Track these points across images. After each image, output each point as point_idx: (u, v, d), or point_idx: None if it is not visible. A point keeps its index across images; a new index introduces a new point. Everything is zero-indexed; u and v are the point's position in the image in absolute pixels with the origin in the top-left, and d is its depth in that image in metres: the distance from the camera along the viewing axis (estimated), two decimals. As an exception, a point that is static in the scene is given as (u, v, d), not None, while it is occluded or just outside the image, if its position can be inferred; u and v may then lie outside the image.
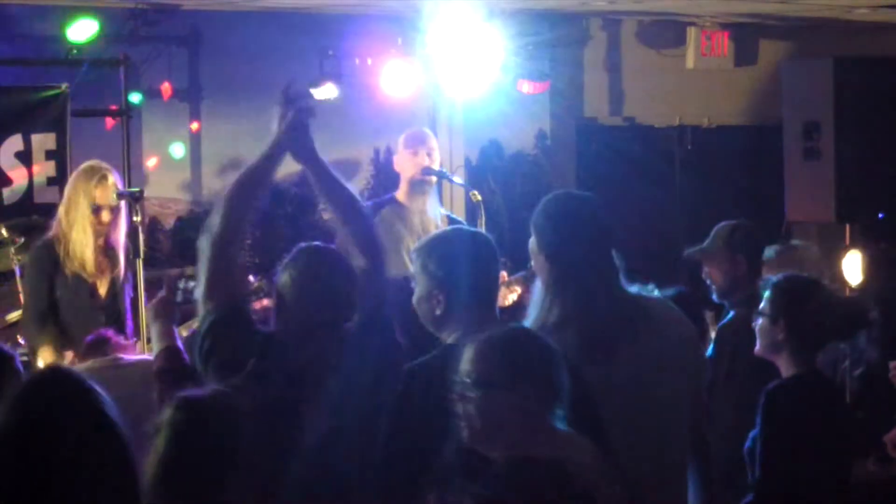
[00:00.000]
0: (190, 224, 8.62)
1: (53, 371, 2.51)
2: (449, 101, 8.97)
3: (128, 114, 8.10)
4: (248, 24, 8.61)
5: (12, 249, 6.50)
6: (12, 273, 6.61)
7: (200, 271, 3.88)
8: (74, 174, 5.98)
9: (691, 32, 9.62)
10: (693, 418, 4.02)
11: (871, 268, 7.80)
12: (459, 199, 8.65)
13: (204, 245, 3.90)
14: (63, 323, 5.82)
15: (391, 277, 4.08)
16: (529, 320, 3.85)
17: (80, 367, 4.66)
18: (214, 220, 3.91)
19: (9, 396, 2.45)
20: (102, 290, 5.83)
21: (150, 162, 8.61)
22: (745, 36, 9.77)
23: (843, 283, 5.40)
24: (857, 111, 8.39)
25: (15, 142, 7.64)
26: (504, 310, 5.38)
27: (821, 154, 8.41)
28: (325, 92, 8.26)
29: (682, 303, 4.26)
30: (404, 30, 8.41)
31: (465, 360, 3.24)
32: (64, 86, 7.69)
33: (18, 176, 7.63)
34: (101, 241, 5.87)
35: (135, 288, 5.73)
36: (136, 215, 5.58)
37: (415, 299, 3.82)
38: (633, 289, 3.94)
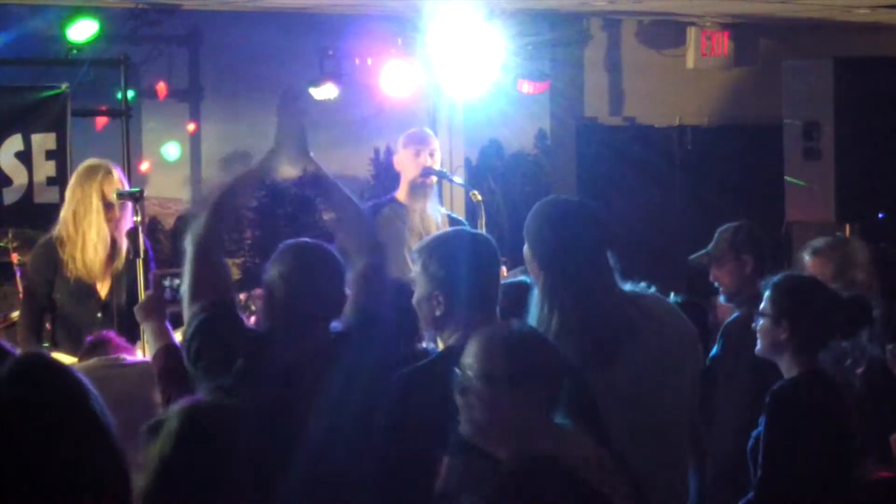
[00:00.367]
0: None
1: (31, 355, 2.50)
2: (449, 101, 8.97)
3: (127, 114, 8.10)
4: (248, 24, 8.62)
5: (12, 250, 6.51)
6: (12, 273, 6.61)
7: (185, 273, 3.87)
8: (77, 175, 5.92)
9: (691, 32, 9.62)
10: (690, 414, 4.03)
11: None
12: (459, 199, 8.65)
13: (188, 247, 3.89)
14: (62, 324, 5.81)
15: (392, 279, 4.08)
16: None
17: (81, 365, 4.66)
18: (199, 223, 3.90)
19: None
20: (103, 291, 5.81)
21: (144, 166, 8.60)
22: (745, 36, 9.77)
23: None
24: (857, 111, 8.37)
25: (15, 142, 7.63)
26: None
27: (821, 154, 8.40)
28: (325, 92, 8.26)
29: (687, 309, 4.26)
30: (404, 30, 8.41)
31: (469, 354, 3.23)
32: (64, 86, 7.69)
33: (18, 176, 7.63)
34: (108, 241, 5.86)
35: (129, 288, 5.70)
36: (137, 215, 5.57)
37: (415, 300, 3.82)
38: (629, 287, 3.94)
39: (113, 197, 5.74)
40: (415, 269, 3.84)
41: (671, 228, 9.60)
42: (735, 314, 5.25)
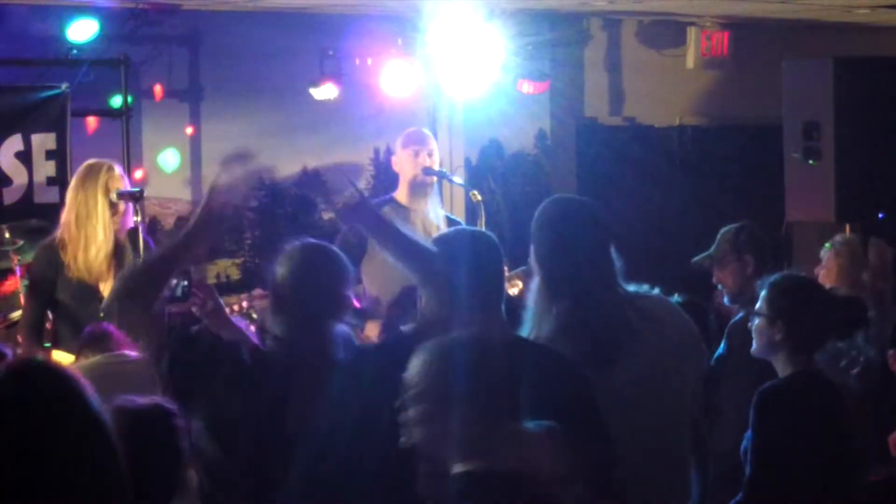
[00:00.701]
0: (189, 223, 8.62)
1: (28, 359, 2.50)
2: (449, 101, 8.97)
3: (127, 115, 8.10)
4: (248, 24, 8.61)
5: (12, 250, 6.50)
6: (13, 273, 6.60)
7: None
8: (78, 176, 5.89)
9: (691, 32, 9.62)
10: (693, 414, 4.03)
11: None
12: (459, 199, 8.65)
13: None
14: (64, 324, 5.80)
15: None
16: (527, 329, 3.84)
17: (87, 362, 4.66)
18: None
19: None
20: (106, 291, 5.75)
21: (139, 173, 8.58)
22: (745, 36, 9.77)
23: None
24: (857, 111, 8.38)
25: (15, 142, 7.63)
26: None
27: (821, 154, 8.40)
28: (325, 92, 8.26)
29: (688, 309, 4.26)
30: (404, 30, 8.41)
31: (412, 370, 3.20)
32: (64, 86, 7.69)
33: (18, 176, 7.62)
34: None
35: None
36: (136, 215, 5.57)
37: (423, 303, 3.82)
38: (632, 288, 3.94)
39: (114, 195, 5.74)
40: None
41: (671, 228, 9.60)
42: (739, 315, 5.26)
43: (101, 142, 8.10)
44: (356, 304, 6.35)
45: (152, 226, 8.44)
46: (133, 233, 5.60)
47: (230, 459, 3.64)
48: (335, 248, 3.95)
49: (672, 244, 9.23)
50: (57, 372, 2.44)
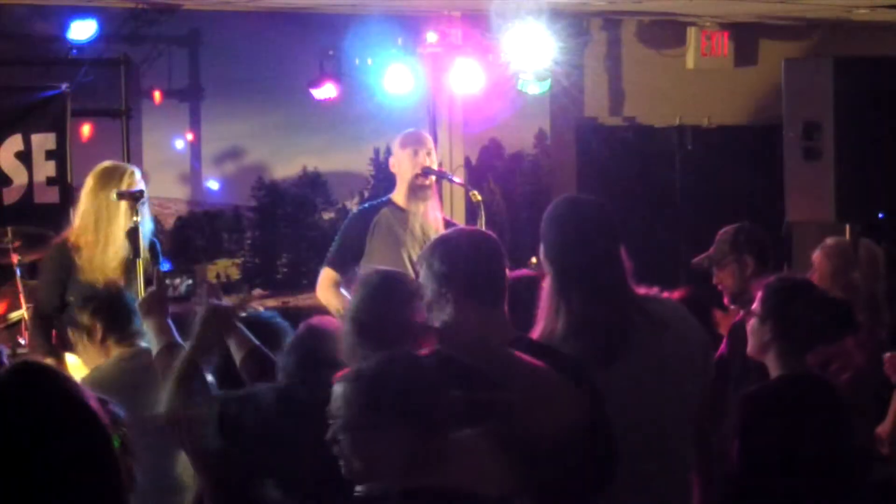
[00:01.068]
0: (190, 224, 8.63)
1: (25, 363, 2.50)
2: (449, 101, 8.97)
3: (128, 114, 8.10)
4: (248, 24, 8.61)
5: (12, 250, 6.50)
6: (12, 273, 6.60)
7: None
8: (98, 178, 5.83)
9: (691, 32, 9.62)
10: (699, 418, 4.02)
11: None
12: (459, 199, 8.65)
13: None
14: (73, 326, 5.76)
15: None
16: (538, 329, 3.84)
17: (113, 357, 4.69)
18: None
19: None
20: None
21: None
22: (745, 36, 9.77)
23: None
24: (857, 111, 8.36)
25: (15, 142, 7.64)
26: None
27: (821, 154, 8.39)
28: (325, 92, 8.26)
29: (690, 304, 4.26)
30: (404, 30, 8.41)
31: (334, 400, 3.20)
32: (64, 86, 7.69)
33: (18, 176, 7.63)
34: None
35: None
36: (136, 215, 5.55)
37: (425, 303, 3.81)
38: (642, 290, 3.94)
39: (114, 195, 5.71)
40: (422, 274, 3.83)
41: (671, 228, 9.60)
42: (741, 315, 5.26)
43: (102, 142, 8.11)
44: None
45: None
46: (133, 233, 5.57)
47: None
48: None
49: (672, 244, 9.23)
50: (55, 375, 2.44)
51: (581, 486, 3.51)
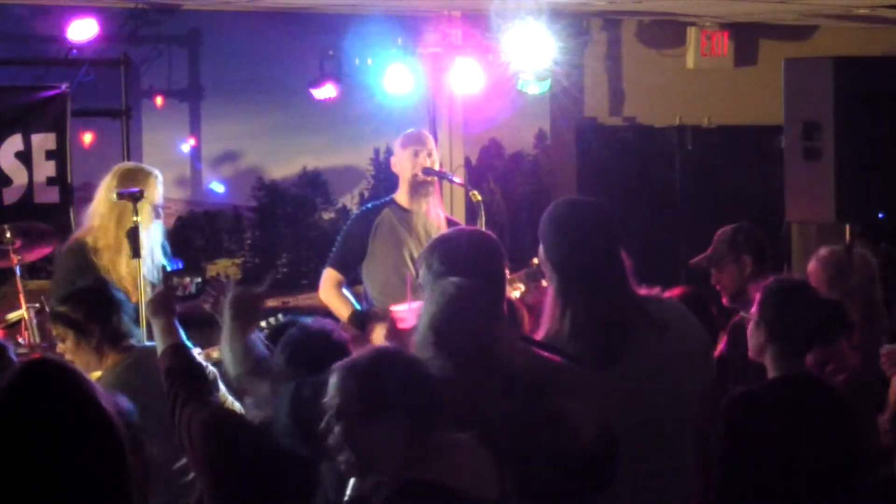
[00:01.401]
0: (190, 224, 8.62)
1: (42, 360, 2.51)
2: (449, 101, 8.96)
3: (128, 114, 8.10)
4: (248, 24, 8.61)
5: (12, 250, 6.50)
6: (12, 273, 6.60)
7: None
8: (120, 179, 5.75)
9: (691, 32, 9.62)
10: (699, 417, 4.02)
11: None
12: (459, 199, 8.65)
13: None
14: None
15: None
16: (542, 331, 3.83)
17: (115, 365, 4.68)
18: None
19: None
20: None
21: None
22: (745, 36, 9.77)
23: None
24: (857, 111, 8.35)
25: (15, 142, 7.63)
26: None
27: (821, 154, 8.39)
28: (325, 92, 8.26)
29: (689, 301, 4.26)
30: (404, 30, 8.41)
31: (329, 390, 3.21)
32: (64, 86, 7.69)
33: (18, 176, 7.63)
34: None
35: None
36: (136, 215, 5.53)
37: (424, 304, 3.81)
38: (642, 291, 3.93)
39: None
40: (421, 274, 3.83)
41: (671, 228, 9.59)
42: (740, 315, 5.25)
43: (102, 142, 8.11)
44: (357, 306, 6.38)
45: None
46: (133, 232, 5.55)
47: None
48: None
49: (672, 244, 9.23)
50: (69, 372, 2.46)
51: (582, 487, 3.51)
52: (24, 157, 7.63)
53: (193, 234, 8.65)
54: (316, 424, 3.43)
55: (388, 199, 6.51)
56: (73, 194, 7.70)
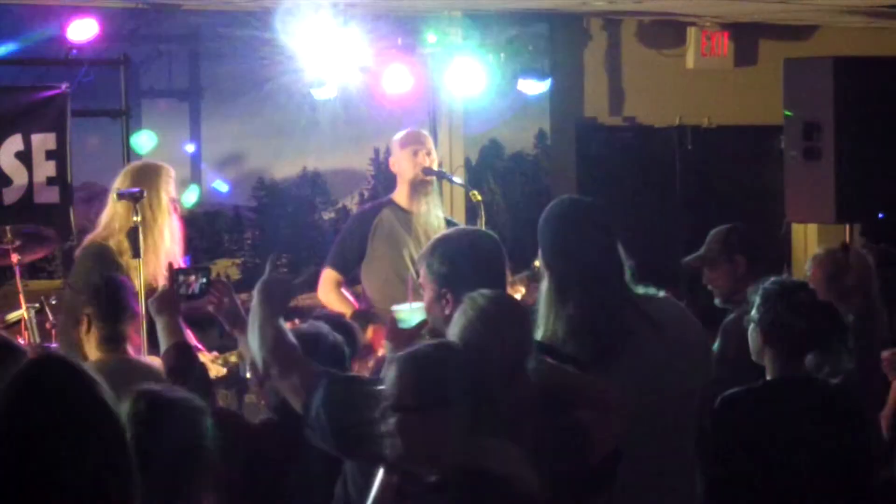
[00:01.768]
0: (190, 224, 8.62)
1: (47, 356, 2.51)
2: (449, 100, 8.96)
3: (128, 114, 8.10)
4: (248, 24, 8.61)
5: (12, 250, 6.49)
6: (12, 273, 6.60)
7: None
8: (136, 177, 5.68)
9: (691, 32, 9.61)
10: (699, 417, 4.02)
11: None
12: (459, 199, 8.65)
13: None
14: None
15: None
16: (538, 332, 3.83)
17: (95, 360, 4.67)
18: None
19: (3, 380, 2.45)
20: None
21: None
22: (745, 36, 9.76)
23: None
24: (857, 111, 8.37)
25: (15, 142, 7.63)
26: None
27: (821, 154, 8.39)
28: (325, 92, 8.25)
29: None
30: (404, 30, 8.40)
31: (387, 381, 3.21)
32: (64, 86, 7.69)
33: (18, 176, 7.62)
34: None
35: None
36: (136, 215, 5.51)
37: (426, 305, 3.81)
38: (640, 290, 3.93)
39: (115, 196, 5.64)
40: (422, 274, 3.83)
41: (671, 228, 9.59)
42: (733, 315, 5.25)
43: (102, 142, 8.11)
44: (355, 305, 6.39)
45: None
46: (133, 232, 5.52)
47: None
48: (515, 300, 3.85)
49: (672, 245, 9.23)
50: (76, 370, 2.46)
51: (585, 489, 3.51)
52: (24, 157, 7.63)
53: (193, 234, 8.64)
54: (345, 420, 3.44)
55: (386, 198, 6.51)
56: (73, 194, 7.70)
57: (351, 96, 8.37)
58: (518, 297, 5.61)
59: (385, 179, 8.51)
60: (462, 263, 3.73)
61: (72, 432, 2.37)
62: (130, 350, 4.91)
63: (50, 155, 7.66)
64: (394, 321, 4.17)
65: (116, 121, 8.09)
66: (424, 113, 9.00)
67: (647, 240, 8.71)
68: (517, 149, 9.44)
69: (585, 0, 8.50)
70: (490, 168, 9.35)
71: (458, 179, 7.61)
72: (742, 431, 4.17)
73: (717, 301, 5.46)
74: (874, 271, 5.28)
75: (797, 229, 9.74)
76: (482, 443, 3.16)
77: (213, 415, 3.89)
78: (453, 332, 3.47)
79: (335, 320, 4.62)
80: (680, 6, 8.87)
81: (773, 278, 4.45)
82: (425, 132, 6.69)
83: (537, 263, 4.11)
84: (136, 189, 5.57)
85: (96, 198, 6.05)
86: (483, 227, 5.91)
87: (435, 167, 6.44)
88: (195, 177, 8.76)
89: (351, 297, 6.36)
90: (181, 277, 4.45)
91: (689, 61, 9.66)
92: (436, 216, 6.35)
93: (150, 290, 5.44)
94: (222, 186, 8.67)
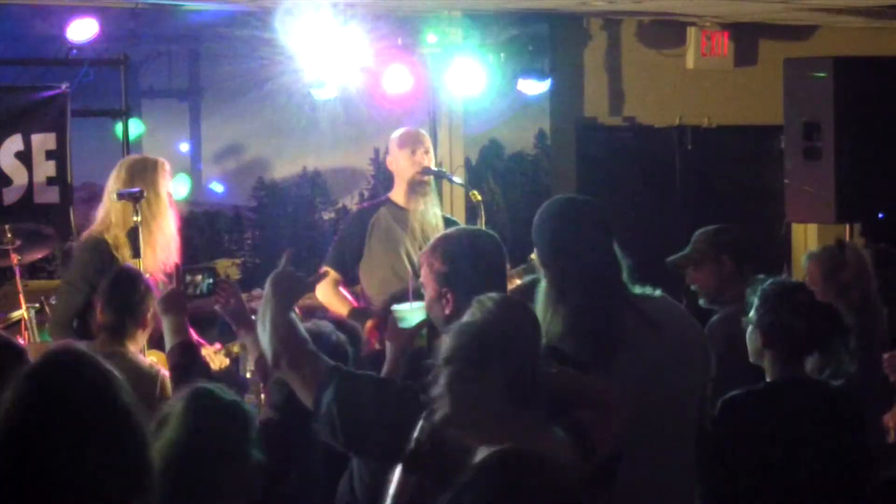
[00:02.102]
0: (190, 224, 8.63)
1: (66, 348, 2.52)
2: (449, 100, 8.96)
3: (127, 114, 8.10)
4: (248, 24, 8.61)
5: (12, 250, 6.50)
6: (12, 273, 6.61)
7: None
8: (132, 172, 5.70)
9: (691, 32, 9.62)
10: (699, 417, 4.02)
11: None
12: (459, 199, 8.65)
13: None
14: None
15: None
16: None
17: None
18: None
19: (20, 373, 2.45)
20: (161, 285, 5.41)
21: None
22: (745, 36, 9.77)
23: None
24: (857, 111, 8.38)
25: (15, 142, 7.63)
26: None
27: (821, 154, 8.40)
28: (325, 92, 8.25)
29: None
30: (404, 30, 8.40)
31: (446, 339, 3.19)
32: (64, 86, 7.69)
33: (18, 176, 7.62)
34: None
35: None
36: (136, 215, 5.52)
37: (427, 304, 3.81)
38: (638, 290, 3.93)
39: (114, 196, 5.65)
40: (422, 274, 3.82)
41: (671, 229, 9.59)
42: (719, 315, 5.25)
43: (102, 141, 8.11)
44: (354, 304, 6.39)
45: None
46: (133, 232, 5.53)
47: None
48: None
49: (672, 245, 9.22)
50: (92, 362, 2.46)
51: (585, 490, 3.51)
52: (24, 157, 7.63)
53: (193, 234, 8.65)
54: (356, 416, 3.44)
55: (384, 198, 6.51)
56: (73, 194, 7.70)
57: (351, 96, 8.37)
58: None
59: (385, 179, 8.50)
60: (463, 263, 3.73)
61: (71, 431, 2.37)
62: (131, 346, 4.92)
63: (50, 155, 7.67)
64: (394, 320, 4.17)
65: (116, 121, 8.09)
66: (424, 113, 9.00)
67: (647, 240, 8.71)
68: (517, 149, 9.44)
69: (585, 0, 8.49)
70: (490, 168, 9.35)
71: (457, 179, 7.61)
72: (743, 433, 4.17)
73: (701, 301, 5.45)
74: (871, 266, 5.28)
75: (797, 229, 9.74)
76: (528, 421, 3.14)
77: None
78: (466, 334, 3.42)
79: (338, 321, 4.63)
80: (680, 6, 8.87)
81: (771, 279, 4.45)
82: (423, 131, 6.69)
83: (533, 257, 4.11)
84: (135, 189, 5.58)
85: (96, 198, 6.04)
86: (483, 227, 5.91)
87: (433, 166, 6.44)
88: (195, 177, 8.76)
89: (350, 297, 6.36)
90: (188, 277, 4.46)
91: (689, 61, 9.67)
92: (433, 214, 6.35)
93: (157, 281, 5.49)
94: (218, 187, 8.67)
